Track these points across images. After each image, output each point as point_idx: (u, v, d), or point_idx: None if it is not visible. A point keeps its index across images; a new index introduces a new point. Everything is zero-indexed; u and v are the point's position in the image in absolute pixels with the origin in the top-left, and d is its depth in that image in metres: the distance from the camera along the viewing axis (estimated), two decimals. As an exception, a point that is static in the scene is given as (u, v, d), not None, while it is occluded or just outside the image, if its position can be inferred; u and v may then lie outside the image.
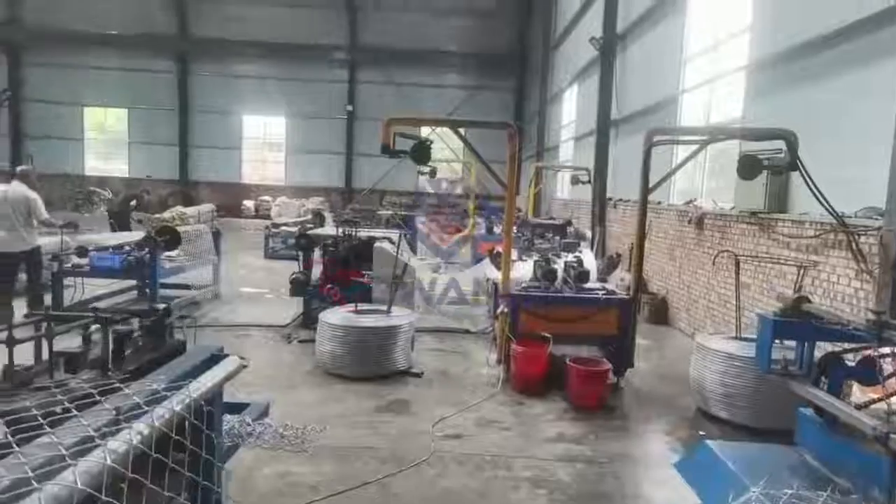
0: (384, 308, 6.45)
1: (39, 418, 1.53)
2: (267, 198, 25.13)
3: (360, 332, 5.81)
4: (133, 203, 13.27)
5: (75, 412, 1.57)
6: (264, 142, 27.16)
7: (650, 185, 5.83)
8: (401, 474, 3.99)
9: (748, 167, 5.39)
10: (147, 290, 7.92)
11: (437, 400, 5.42)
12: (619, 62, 12.28)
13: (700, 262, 7.98)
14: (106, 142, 27.18)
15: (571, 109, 17.31)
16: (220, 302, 8.99)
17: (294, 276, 7.57)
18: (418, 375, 6.02)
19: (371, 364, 5.82)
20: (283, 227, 14.61)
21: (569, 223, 9.73)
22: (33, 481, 1.26)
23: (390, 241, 8.01)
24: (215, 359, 2.21)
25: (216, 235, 9.57)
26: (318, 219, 14.78)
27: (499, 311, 6.11)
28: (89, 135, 26.67)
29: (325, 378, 5.83)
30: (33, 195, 7.17)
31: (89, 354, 2.16)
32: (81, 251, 7.28)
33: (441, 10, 24.36)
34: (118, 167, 26.35)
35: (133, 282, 8.15)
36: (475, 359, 6.75)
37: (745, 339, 5.32)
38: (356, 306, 6.42)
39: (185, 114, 25.63)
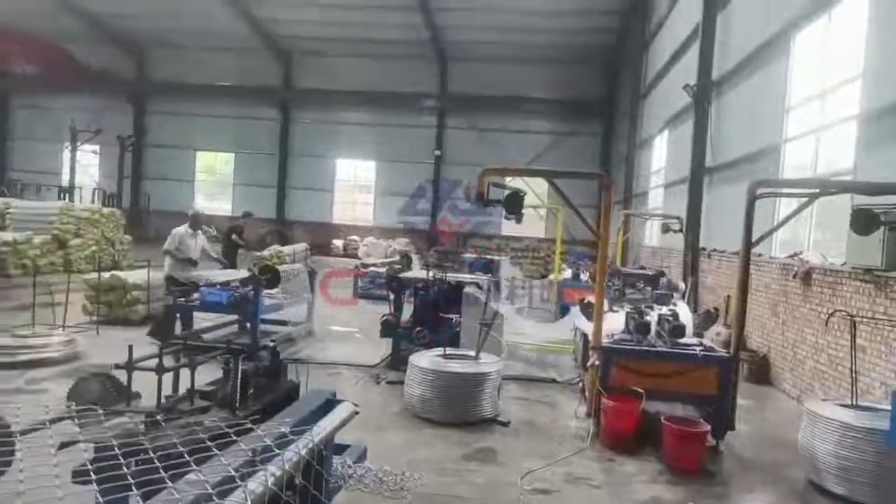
0: (472, 353, 6.49)
1: (186, 455, 1.68)
2: (355, 237, 26.05)
3: (449, 378, 5.86)
4: (234, 237, 14.15)
5: (216, 451, 1.71)
6: (354, 184, 28.38)
7: (753, 238, 5.59)
8: (490, 527, 3.95)
9: (863, 222, 5.08)
10: (248, 325, 8.40)
11: (524, 451, 5.33)
12: (714, 109, 12.00)
13: (806, 319, 7.49)
14: (213, 183, 29.40)
15: (661, 156, 16.97)
16: (313, 339, 9.35)
17: (385, 317, 7.78)
18: (505, 424, 5.96)
19: (459, 410, 5.84)
20: (372, 268, 15.06)
21: (661, 274, 9.46)
22: (187, 516, 1.39)
23: (478, 286, 8.09)
24: (330, 404, 2.33)
25: (311, 274, 10.02)
26: (406, 260, 15.12)
27: (589, 363, 5.99)
28: (199, 176, 28.95)
29: (413, 421, 5.89)
30: (174, 231, 8.85)
31: (219, 392, 2.34)
32: (193, 286, 7.85)
33: (528, 59, 24.82)
34: (223, 206, 28.28)
35: (235, 316, 8.68)
36: (562, 410, 6.61)
37: (863, 408, 4.92)
38: (444, 351, 6.50)
39: (284, 158, 27.32)
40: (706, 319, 6.70)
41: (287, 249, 17.46)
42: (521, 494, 4.43)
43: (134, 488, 1.53)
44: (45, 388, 6.22)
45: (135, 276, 9.70)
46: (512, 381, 7.41)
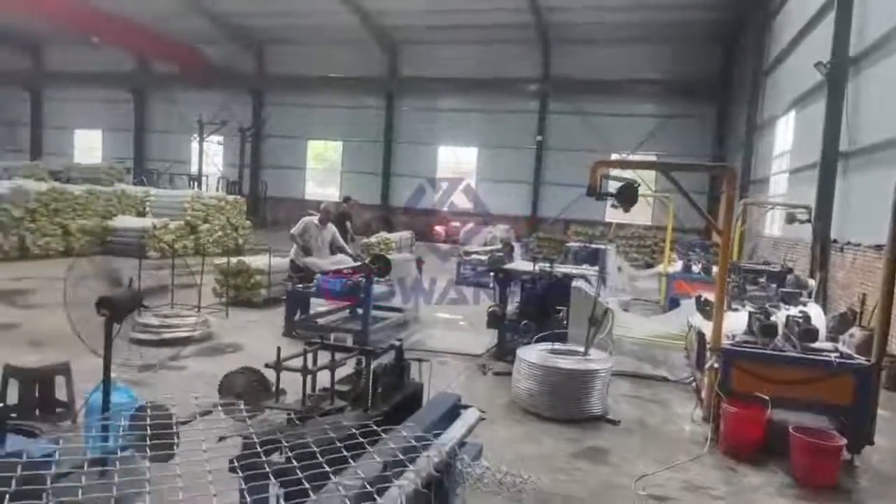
0: (580, 349, 6.38)
1: (325, 465, 1.77)
2: (456, 224, 26.30)
3: (558, 374, 5.81)
4: (348, 224, 14.72)
5: (352, 462, 1.80)
6: (456, 170, 28.62)
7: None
8: (604, 531, 3.89)
9: None
10: (358, 311, 8.78)
11: (636, 453, 5.20)
12: (850, 88, 10.89)
13: (962, 324, 6.68)
14: (323, 170, 30.79)
15: (786, 139, 15.68)
16: (419, 325, 9.59)
17: (491, 308, 7.83)
18: (615, 423, 5.83)
19: (567, 407, 5.78)
20: (474, 255, 15.18)
21: (789, 270, 8.77)
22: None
23: (586, 279, 7.93)
24: (456, 409, 2.38)
25: (419, 262, 10.26)
26: (507, 248, 15.11)
27: (707, 365, 5.71)
28: (310, 164, 30.40)
29: (520, 415, 5.91)
30: (304, 219, 9.48)
31: (352, 392, 2.47)
32: (310, 273, 8.33)
33: (635, 38, 23.72)
34: (331, 192, 29.57)
35: (346, 303, 9.09)
36: (674, 411, 6.36)
37: None
38: (552, 345, 6.44)
39: (389, 145, 28.04)
40: (842, 322, 6.13)
41: (394, 237, 17.97)
42: (637, 500, 4.32)
43: (279, 486, 1.66)
44: (184, 366, 6.86)
45: (257, 262, 10.40)
46: (620, 377, 7.22)
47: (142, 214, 16.81)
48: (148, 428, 2.30)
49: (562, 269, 8.47)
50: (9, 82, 32.28)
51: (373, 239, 16.84)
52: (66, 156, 31.39)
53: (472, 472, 2.94)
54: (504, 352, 7.64)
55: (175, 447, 2.24)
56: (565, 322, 7.27)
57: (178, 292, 8.89)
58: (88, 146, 33.37)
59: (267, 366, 2.33)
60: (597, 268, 9.49)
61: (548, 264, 8.09)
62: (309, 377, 2.54)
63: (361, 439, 1.89)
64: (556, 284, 7.68)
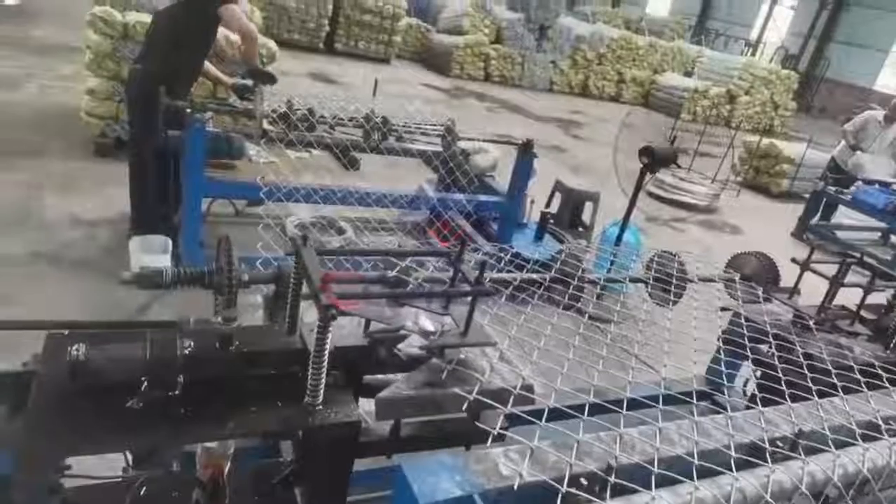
0: None
1: (833, 376, 1.67)
2: None
3: None
4: None
5: (864, 388, 1.64)
6: None
7: None
8: None
9: None
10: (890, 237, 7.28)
11: None
12: None
13: None
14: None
15: None
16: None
17: None
18: None
19: None
20: None
21: None
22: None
23: None
24: None
25: None
26: None
27: None
28: (897, 47, 24.34)
29: None
30: (865, 114, 8.07)
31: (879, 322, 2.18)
32: (850, 178, 7.19)
33: None
34: (913, 88, 23.46)
35: (882, 224, 7.57)
36: None
37: None
38: None
39: None
40: None
41: None
42: None
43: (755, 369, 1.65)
44: (682, 230, 7.16)
45: (790, 149, 9.46)
46: None
47: (688, 74, 16.97)
48: (655, 271, 2.58)
49: None
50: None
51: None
52: (639, 6, 33.19)
53: None
54: None
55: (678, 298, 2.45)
56: None
57: (698, 159, 8.99)
58: (662, -2, 34.20)
59: (793, 260, 2.22)
60: None
61: None
62: (835, 292, 2.33)
63: (880, 370, 1.69)
64: None
